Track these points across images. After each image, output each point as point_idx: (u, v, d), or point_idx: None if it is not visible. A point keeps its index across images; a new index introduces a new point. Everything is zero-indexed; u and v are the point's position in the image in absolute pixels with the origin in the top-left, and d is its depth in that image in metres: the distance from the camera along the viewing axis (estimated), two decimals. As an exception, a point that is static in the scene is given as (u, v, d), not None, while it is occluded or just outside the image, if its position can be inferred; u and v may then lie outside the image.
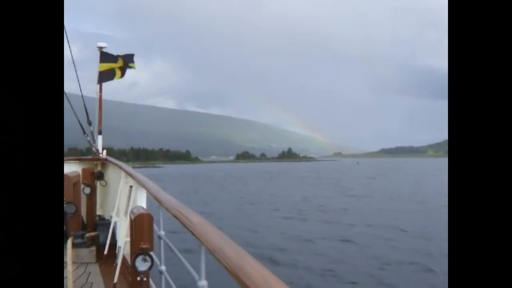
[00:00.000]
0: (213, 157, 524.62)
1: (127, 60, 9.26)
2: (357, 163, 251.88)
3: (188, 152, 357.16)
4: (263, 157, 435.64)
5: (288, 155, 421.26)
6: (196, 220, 2.49)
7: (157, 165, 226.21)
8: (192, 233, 2.34)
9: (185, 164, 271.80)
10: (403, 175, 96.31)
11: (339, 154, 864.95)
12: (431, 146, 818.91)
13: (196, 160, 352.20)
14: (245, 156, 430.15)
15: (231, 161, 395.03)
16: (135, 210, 3.83)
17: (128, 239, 4.12)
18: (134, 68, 9.36)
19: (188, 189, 55.64)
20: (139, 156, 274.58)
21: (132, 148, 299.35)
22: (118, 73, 9.17)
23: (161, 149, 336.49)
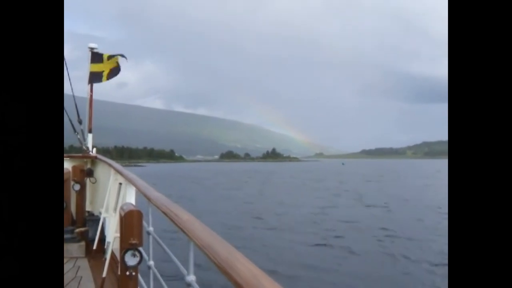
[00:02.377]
0: (199, 157, 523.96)
1: (112, 57, 9.36)
2: (343, 163, 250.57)
3: (172, 151, 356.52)
4: (247, 157, 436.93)
5: (272, 155, 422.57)
6: (185, 217, 2.52)
7: (139, 164, 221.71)
8: (181, 230, 2.37)
9: (169, 163, 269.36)
10: (404, 177, 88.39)
11: (320, 155, 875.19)
12: (409, 148, 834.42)
13: (180, 159, 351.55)
14: (229, 156, 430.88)
15: (216, 161, 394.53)
16: (124, 207, 3.88)
17: (117, 234, 4.19)
18: (126, 58, 9.45)
19: (171, 194, 39.45)
20: (123, 155, 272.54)
21: (115, 147, 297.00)
22: (105, 77, 9.29)
23: (145, 148, 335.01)
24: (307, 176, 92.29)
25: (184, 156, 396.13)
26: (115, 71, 9.36)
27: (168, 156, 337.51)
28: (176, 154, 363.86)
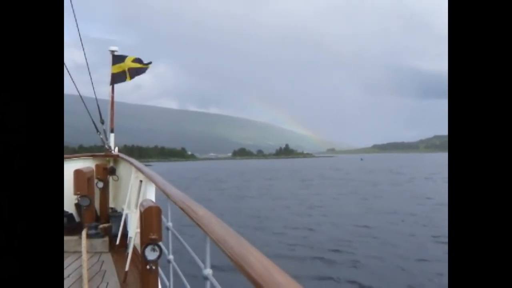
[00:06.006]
0: (211, 154, 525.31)
1: (138, 60, 9.60)
2: (361, 159, 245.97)
3: (183, 149, 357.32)
4: (260, 154, 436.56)
5: (285, 152, 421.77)
6: (202, 212, 2.58)
7: (147, 163, 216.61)
8: (198, 225, 2.43)
9: (180, 162, 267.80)
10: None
11: (332, 150, 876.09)
12: (421, 142, 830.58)
13: (191, 157, 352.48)
14: (242, 153, 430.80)
15: (229, 158, 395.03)
16: (144, 203, 3.96)
17: (138, 230, 4.28)
18: (148, 67, 9.72)
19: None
20: (133, 154, 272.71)
21: (125, 146, 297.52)
22: (128, 76, 9.51)
23: (156, 146, 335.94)
24: (340, 176, 75.11)
25: (197, 154, 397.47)
26: (138, 71, 9.55)
27: (180, 154, 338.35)
28: (188, 152, 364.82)
